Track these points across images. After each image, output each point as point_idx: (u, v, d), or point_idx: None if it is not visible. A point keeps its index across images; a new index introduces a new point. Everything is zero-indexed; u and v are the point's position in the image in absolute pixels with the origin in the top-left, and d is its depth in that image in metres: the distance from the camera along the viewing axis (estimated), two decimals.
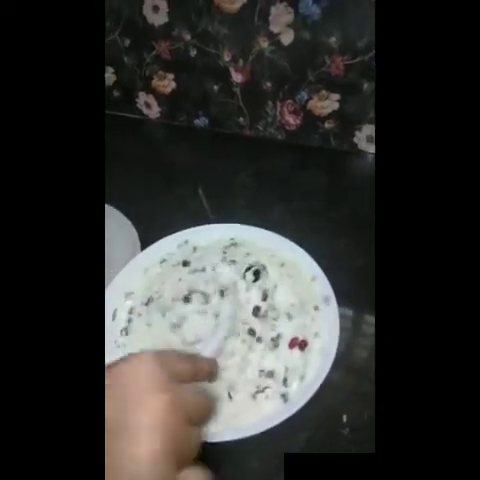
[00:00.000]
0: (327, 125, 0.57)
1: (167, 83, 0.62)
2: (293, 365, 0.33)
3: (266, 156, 0.59)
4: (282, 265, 0.40)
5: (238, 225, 0.44)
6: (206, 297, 0.37)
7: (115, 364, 0.24)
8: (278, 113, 0.59)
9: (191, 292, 0.37)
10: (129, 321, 0.38)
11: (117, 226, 0.46)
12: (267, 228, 0.43)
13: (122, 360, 0.25)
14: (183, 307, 0.37)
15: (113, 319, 0.38)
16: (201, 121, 0.65)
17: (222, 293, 0.37)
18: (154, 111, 0.67)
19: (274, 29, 0.50)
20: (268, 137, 0.62)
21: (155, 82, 0.63)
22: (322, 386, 0.31)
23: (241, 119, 0.62)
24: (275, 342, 0.35)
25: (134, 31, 0.58)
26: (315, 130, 0.58)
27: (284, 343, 0.35)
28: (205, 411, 0.28)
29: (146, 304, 0.38)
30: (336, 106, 0.55)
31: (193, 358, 0.30)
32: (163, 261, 0.42)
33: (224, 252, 0.41)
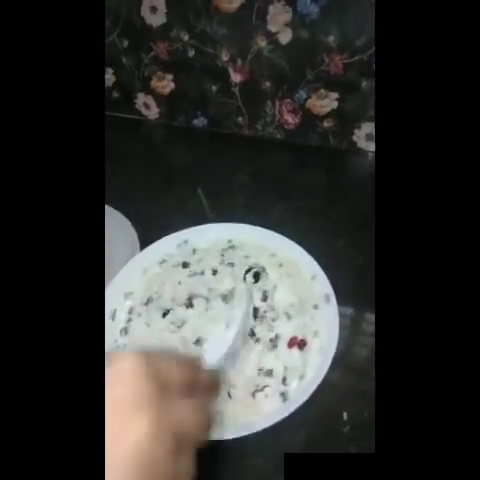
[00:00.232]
0: (326, 124, 0.57)
1: (166, 84, 0.63)
2: (292, 364, 0.33)
3: (265, 155, 0.59)
4: (282, 265, 0.40)
5: (237, 224, 0.44)
6: (208, 301, 0.37)
7: None
8: (277, 112, 0.59)
9: (192, 297, 0.37)
10: (128, 321, 0.38)
11: (116, 226, 0.46)
12: (266, 227, 0.43)
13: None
14: (184, 311, 0.37)
15: (112, 319, 0.38)
16: (200, 121, 0.65)
17: (224, 298, 0.37)
18: (153, 112, 0.67)
19: (272, 28, 0.50)
20: (267, 136, 0.62)
21: (154, 83, 0.63)
22: (321, 385, 0.31)
23: (240, 119, 0.62)
24: (273, 343, 0.35)
25: (132, 32, 0.58)
26: (314, 129, 0.58)
27: (282, 343, 0.35)
28: (203, 432, 0.22)
29: (146, 304, 0.39)
30: (335, 105, 0.55)
31: (192, 365, 0.24)
32: (163, 261, 0.42)
33: (222, 255, 0.41)
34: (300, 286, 0.38)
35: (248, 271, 0.39)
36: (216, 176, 0.56)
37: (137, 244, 0.44)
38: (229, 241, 0.43)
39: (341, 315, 0.35)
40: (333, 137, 0.58)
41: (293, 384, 0.33)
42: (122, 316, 0.38)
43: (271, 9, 0.49)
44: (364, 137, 0.57)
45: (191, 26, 0.54)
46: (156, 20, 0.55)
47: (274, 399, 0.32)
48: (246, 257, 0.41)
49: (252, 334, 0.35)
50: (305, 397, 0.30)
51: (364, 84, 0.51)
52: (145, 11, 0.55)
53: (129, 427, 0.18)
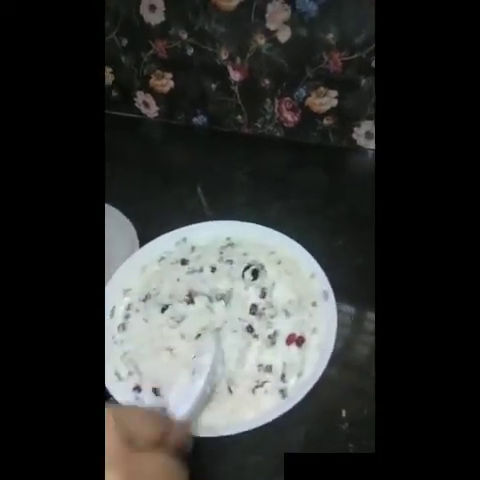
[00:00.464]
0: (326, 122, 0.57)
1: (165, 82, 0.63)
2: (291, 361, 0.33)
3: (263, 154, 0.59)
4: (280, 262, 0.40)
5: (236, 222, 0.44)
6: (208, 299, 0.37)
7: None
8: (276, 110, 0.59)
9: (192, 294, 0.37)
10: (126, 317, 0.38)
11: (116, 224, 0.46)
12: (265, 226, 0.43)
13: None
14: (185, 307, 0.37)
15: (111, 316, 0.38)
16: (199, 119, 0.65)
17: (221, 297, 0.37)
18: (152, 110, 0.67)
19: (271, 26, 0.50)
20: (266, 135, 0.62)
21: (153, 81, 0.63)
22: (320, 382, 0.31)
23: (239, 117, 0.62)
24: (272, 339, 0.35)
25: (131, 31, 0.58)
26: (314, 127, 0.58)
27: (281, 340, 0.35)
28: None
29: (144, 300, 0.39)
30: (334, 103, 0.54)
31: (160, 419, 0.25)
32: (162, 259, 0.42)
33: (221, 252, 0.41)
34: (299, 283, 0.38)
35: (247, 268, 0.39)
36: (215, 175, 0.56)
37: (136, 242, 0.44)
38: (228, 238, 0.43)
39: (342, 313, 0.35)
40: (333, 135, 0.58)
41: (291, 381, 0.32)
42: (120, 312, 0.38)
43: (270, 7, 0.49)
44: (364, 135, 0.56)
45: (190, 24, 0.54)
46: (155, 18, 0.55)
47: (273, 396, 0.32)
48: (245, 254, 0.41)
49: (251, 330, 0.35)
50: (303, 394, 0.30)
51: (363, 82, 0.51)
52: (144, 10, 0.55)
53: None
